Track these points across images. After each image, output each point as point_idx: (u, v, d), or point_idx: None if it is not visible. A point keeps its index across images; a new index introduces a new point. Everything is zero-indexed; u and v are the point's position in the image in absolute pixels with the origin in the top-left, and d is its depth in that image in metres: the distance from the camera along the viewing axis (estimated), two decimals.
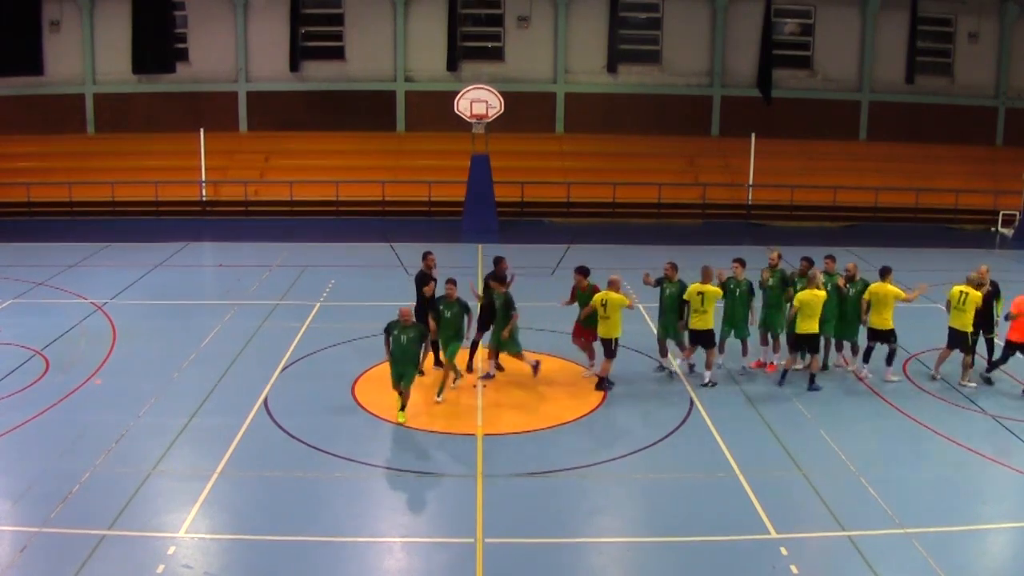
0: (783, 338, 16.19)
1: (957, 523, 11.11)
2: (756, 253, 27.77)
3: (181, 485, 11.72)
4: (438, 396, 14.61)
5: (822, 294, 15.18)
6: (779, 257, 16.50)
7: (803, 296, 15.12)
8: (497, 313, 15.45)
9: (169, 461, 12.39)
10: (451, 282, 14.97)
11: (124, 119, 35.33)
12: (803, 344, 15.38)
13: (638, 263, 24.67)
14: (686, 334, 15.95)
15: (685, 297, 15.60)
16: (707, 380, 15.57)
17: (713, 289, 15.54)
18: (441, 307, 14.87)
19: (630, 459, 12.79)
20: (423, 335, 13.92)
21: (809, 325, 15.17)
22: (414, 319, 14.09)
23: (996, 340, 16.26)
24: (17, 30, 33.98)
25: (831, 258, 16.46)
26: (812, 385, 15.39)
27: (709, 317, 15.45)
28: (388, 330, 13.79)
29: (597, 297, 15.23)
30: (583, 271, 15.91)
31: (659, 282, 16.14)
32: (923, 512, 11.26)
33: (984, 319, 16.02)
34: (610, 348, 15.24)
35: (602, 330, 15.24)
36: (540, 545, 10.58)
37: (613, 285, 15.18)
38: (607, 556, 10.61)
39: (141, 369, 16.06)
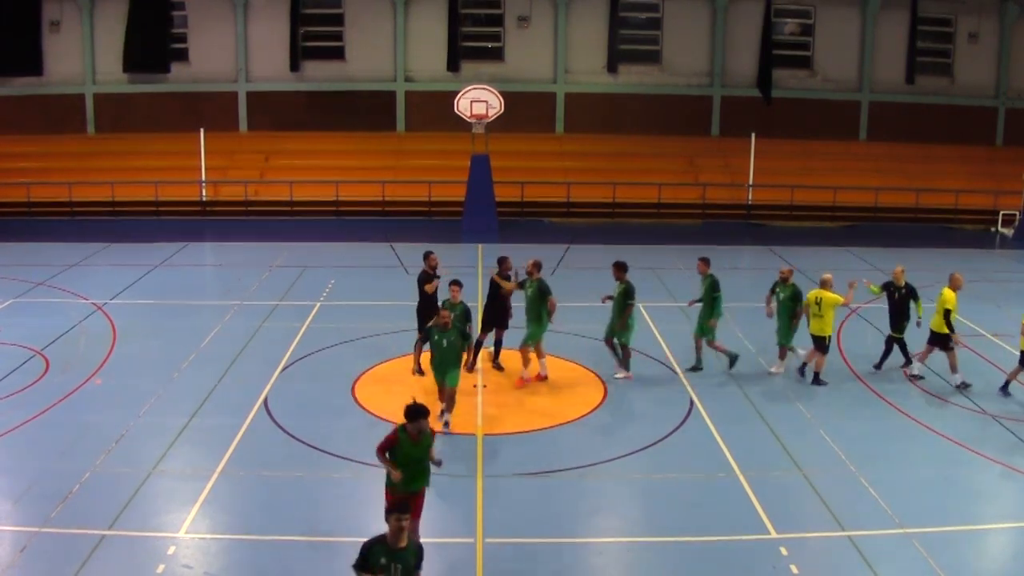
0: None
1: (957, 523, 11.12)
2: (757, 253, 27.95)
3: (181, 485, 11.73)
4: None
5: None
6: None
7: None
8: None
9: (169, 461, 12.39)
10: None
11: (124, 119, 35.31)
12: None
13: (638, 263, 24.72)
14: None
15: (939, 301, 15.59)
16: (959, 381, 15.52)
17: (949, 294, 15.47)
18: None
19: (630, 459, 12.80)
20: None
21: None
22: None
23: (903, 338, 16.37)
24: (17, 30, 34.05)
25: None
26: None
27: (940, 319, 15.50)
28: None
29: (812, 295, 15.50)
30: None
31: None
32: (923, 512, 11.26)
33: (896, 318, 16.22)
34: (824, 345, 15.48)
35: (815, 327, 15.48)
36: (540, 545, 10.58)
37: (826, 284, 15.44)
38: (607, 556, 10.61)
39: (141, 369, 16.07)
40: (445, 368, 13.41)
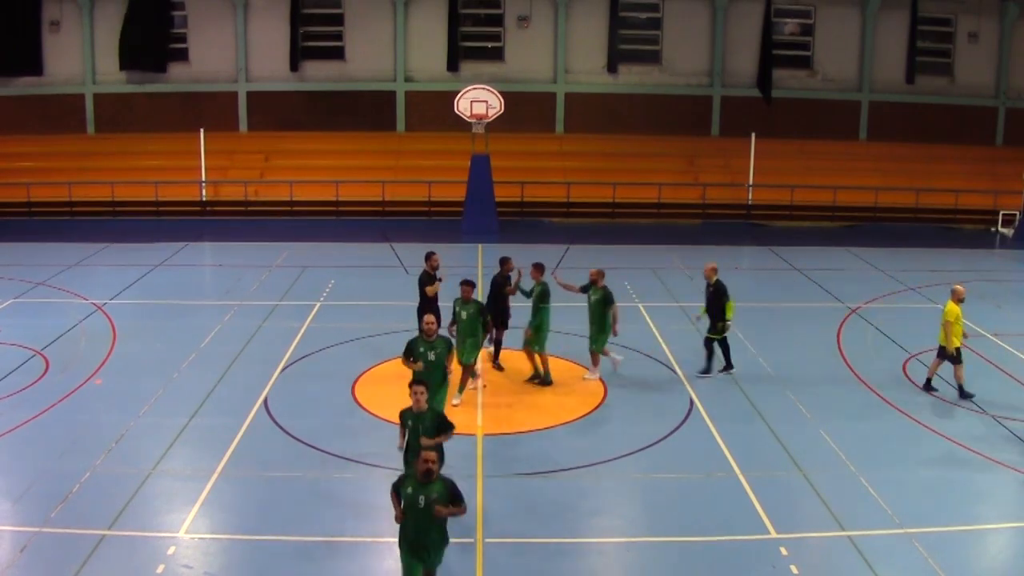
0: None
1: (957, 523, 11.12)
2: (757, 253, 27.96)
3: (181, 485, 11.73)
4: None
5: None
6: None
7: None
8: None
9: (169, 461, 12.40)
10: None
11: (124, 119, 35.29)
12: None
13: (638, 263, 24.75)
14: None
15: None
16: None
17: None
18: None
19: (630, 459, 12.79)
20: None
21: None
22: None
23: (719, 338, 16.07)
24: (17, 30, 34.08)
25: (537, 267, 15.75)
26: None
27: None
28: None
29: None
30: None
31: (584, 288, 15.79)
32: (923, 512, 11.27)
33: (711, 317, 15.91)
34: (944, 354, 15.02)
35: (940, 336, 15.06)
36: (540, 545, 10.58)
37: (955, 294, 14.85)
38: (607, 556, 10.61)
39: (141, 369, 16.06)
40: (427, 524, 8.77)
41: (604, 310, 15.43)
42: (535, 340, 15.40)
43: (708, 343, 16.12)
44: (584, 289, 15.85)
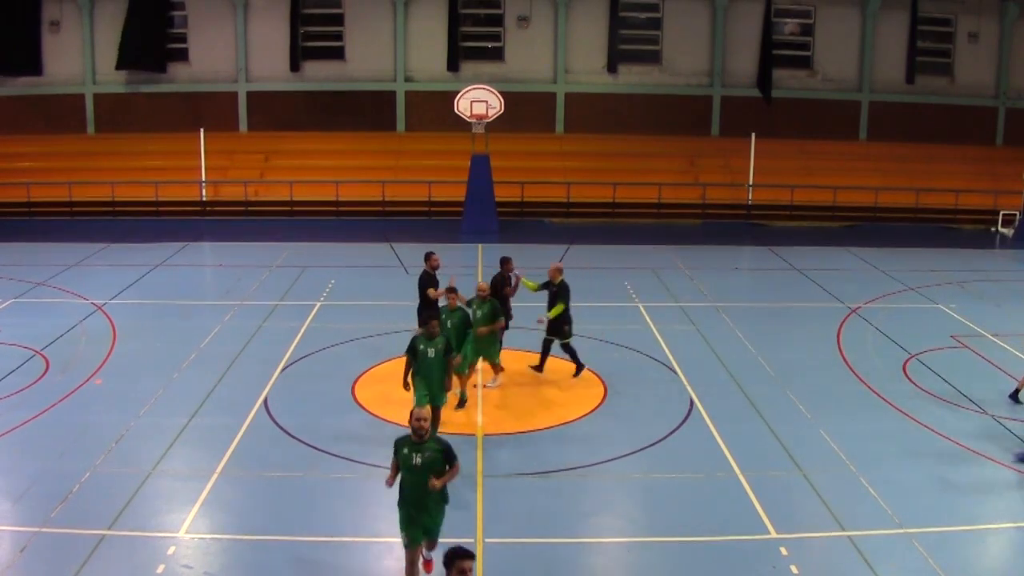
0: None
1: (957, 523, 11.11)
2: (757, 253, 27.95)
3: (181, 485, 11.73)
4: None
5: None
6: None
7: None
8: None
9: (169, 461, 12.39)
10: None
11: (124, 119, 35.28)
12: None
13: (638, 263, 24.76)
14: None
15: None
16: None
17: None
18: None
19: (630, 459, 12.79)
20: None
21: None
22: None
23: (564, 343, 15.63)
24: (17, 30, 34.07)
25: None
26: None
27: None
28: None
29: None
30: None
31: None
32: (923, 512, 11.26)
33: (553, 321, 15.44)
34: None
35: None
36: (540, 545, 10.58)
37: None
38: (607, 556, 10.62)
39: (141, 369, 16.06)
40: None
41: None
42: (463, 365, 14.40)
43: (567, 348, 15.73)
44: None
